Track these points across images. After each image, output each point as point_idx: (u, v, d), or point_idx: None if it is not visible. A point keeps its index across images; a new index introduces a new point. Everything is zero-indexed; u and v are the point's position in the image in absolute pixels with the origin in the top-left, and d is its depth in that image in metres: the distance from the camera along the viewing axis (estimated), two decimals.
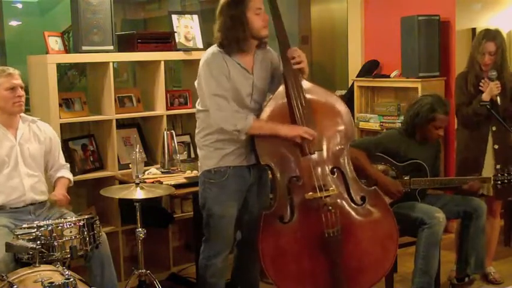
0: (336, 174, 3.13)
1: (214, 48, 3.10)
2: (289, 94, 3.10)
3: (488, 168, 3.77)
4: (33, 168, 3.30)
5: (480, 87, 3.72)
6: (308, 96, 3.13)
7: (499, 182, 3.66)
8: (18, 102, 3.24)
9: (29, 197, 3.25)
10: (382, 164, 3.71)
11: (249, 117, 3.03)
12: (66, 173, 3.48)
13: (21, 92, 3.26)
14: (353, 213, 3.13)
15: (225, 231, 3.19)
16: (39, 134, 3.37)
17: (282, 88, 3.13)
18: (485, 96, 3.66)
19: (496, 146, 3.80)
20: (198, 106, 3.18)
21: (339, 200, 3.11)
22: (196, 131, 3.21)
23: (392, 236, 3.20)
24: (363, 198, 3.15)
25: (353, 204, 3.13)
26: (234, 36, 3.03)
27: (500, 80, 3.67)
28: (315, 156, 3.10)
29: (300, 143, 3.05)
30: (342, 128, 3.18)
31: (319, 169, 3.10)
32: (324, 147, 3.12)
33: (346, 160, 3.16)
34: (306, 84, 3.15)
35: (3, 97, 3.20)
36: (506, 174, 3.64)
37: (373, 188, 3.22)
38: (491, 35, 3.73)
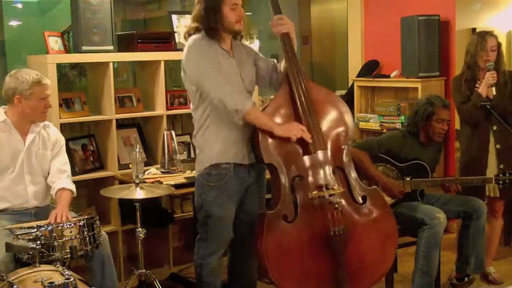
0: (338, 173, 3.13)
1: (194, 35, 3.09)
2: (294, 93, 3.10)
3: (492, 169, 3.77)
4: (38, 175, 3.27)
5: (476, 88, 3.79)
6: (311, 95, 3.12)
7: (501, 183, 3.67)
8: (44, 113, 3.23)
9: (32, 204, 3.25)
10: (382, 164, 3.71)
11: (249, 100, 3.03)
12: (66, 183, 3.29)
13: (50, 103, 3.24)
14: (355, 212, 3.13)
15: (222, 232, 3.18)
16: (48, 140, 3.32)
17: (285, 87, 3.13)
18: (482, 89, 3.74)
19: (498, 146, 3.81)
20: (192, 106, 3.17)
21: (342, 199, 3.11)
22: (195, 132, 3.18)
23: (392, 236, 3.20)
24: (364, 198, 3.15)
25: (355, 204, 3.13)
26: (205, 26, 3.05)
27: (497, 72, 3.77)
28: (318, 155, 3.09)
29: (305, 142, 3.03)
30: (344, 127, 3.18)
31: (323, 168, 3.09)
32: (327, 146, 3.12)
33: (348, 160, 3.16)
34: (308, 84, 3.15)
35: (34, 106, 3.17)
36: (507, 174, 3.65)
37: (373, 187, 3.23)
38: (491, 32, 3.89)
